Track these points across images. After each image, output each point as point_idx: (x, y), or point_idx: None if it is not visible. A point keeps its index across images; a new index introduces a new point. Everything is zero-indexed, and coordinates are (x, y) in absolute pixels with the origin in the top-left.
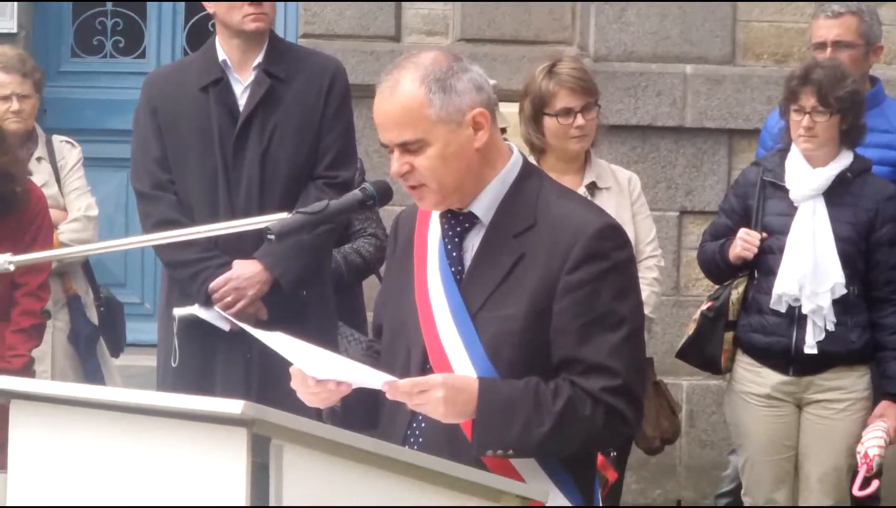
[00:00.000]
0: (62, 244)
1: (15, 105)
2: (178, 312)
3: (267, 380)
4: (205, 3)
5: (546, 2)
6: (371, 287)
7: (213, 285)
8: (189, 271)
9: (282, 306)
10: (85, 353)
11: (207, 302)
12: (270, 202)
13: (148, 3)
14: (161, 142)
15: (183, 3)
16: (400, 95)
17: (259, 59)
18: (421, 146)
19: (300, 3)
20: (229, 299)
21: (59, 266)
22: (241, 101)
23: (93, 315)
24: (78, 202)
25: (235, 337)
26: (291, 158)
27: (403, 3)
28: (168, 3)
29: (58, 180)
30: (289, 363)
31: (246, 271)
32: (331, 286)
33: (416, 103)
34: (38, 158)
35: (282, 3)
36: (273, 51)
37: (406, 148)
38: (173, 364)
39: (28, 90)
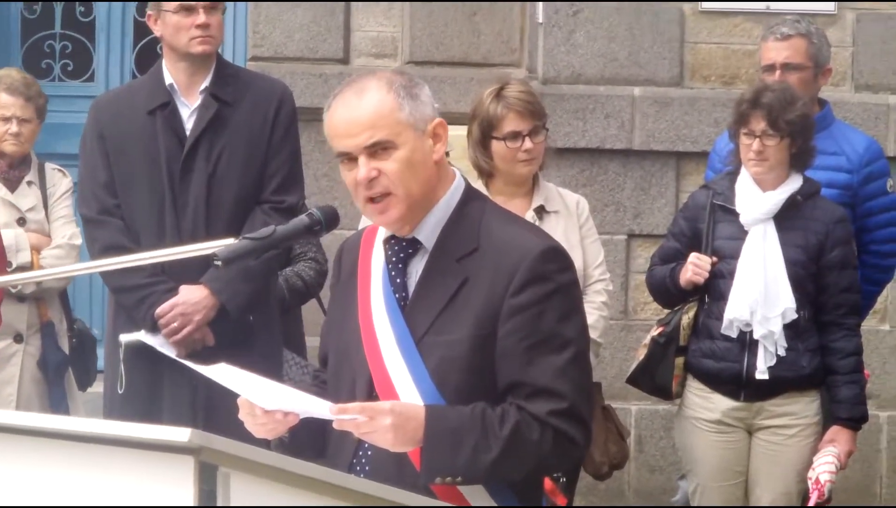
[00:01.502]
0: (43, 269)
1: (14, 128)
2: (125, 338)
3: (214, 406)
4: (151, 27)
5: (495, 25)
6: (312, 312)
7: (159, 310)
8: (135, 297)
9: (228, 332)
10: (53, 380)
11: (154, 328)
12: (217, 226)
13: (96, 26)
14: (108, 166)
15: (131, 27)
16: (369, 98)
17: (206, 82)
18: (389, 149)
19: (249, 26)
20: (175, 324)
21: (36, 292)
22: (188, 124)
23: (64, 345)
24: (62, 230)
25: (181, 365)
26: (238, 182)
27: (352, 25)
28: (117, 26)
29: (45, 207)
30: (234, 393)
31: (192, 297)
32: (276, 311)
33: (387, 106)
34: (29, 183)
35: (230, 26)
36: (220, 74)
37: (373, 152)
38: (119, 391)
39: (29, 115)
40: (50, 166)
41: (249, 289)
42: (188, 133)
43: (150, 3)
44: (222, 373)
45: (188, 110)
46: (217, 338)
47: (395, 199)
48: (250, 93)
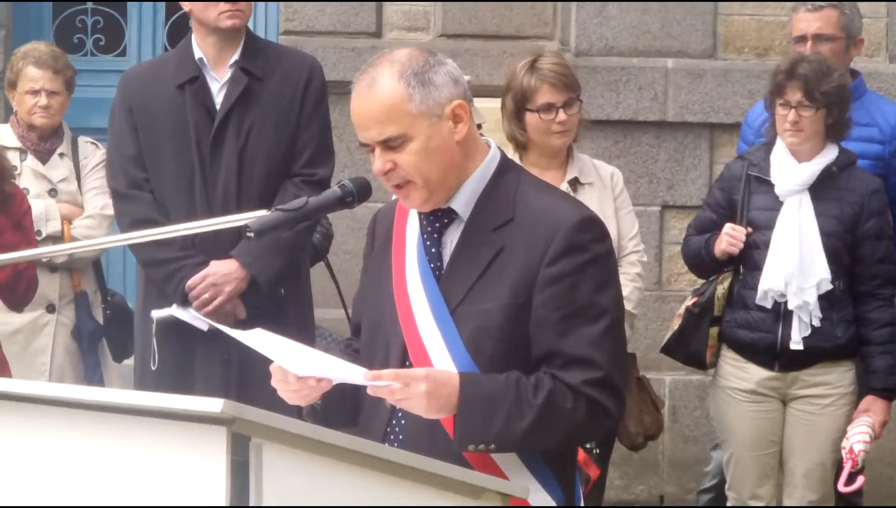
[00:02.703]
0: (74, 239)
1: (43, 100)
2: (156, 314)
3: (246, 380)
4: (181, 2)
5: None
6: (326, 279)
7: (189, 282)
8: (166, 271)
9: (259, 305)
10: (86, 350)
11: (184, 302)
12: (248, 200)
13: (128, 1)
14: (137, 140)
15: (163, 2)
16: (379, 92)
17: (235, 56)
18: (403, 142)
19: (281, 0)
20: (206, 296)
21: (68, 261)
22: (218, 99)
23: (98, 315)
24: (95, 201)
25: (214, 337)
26: (268, 155)
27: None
28: (148, 1)
29: (78, 179)
30: (268, 363)
31: (223, 269)
32: (308, 285)
33: (396, 99)
34: (61, 154)
35: (262, 1)
36: (249, 48)
37: (388, 145)
38: (153, 367)
39: (58, 87)
40: (83, 139)
41: (280, 262)
42: (218, 107)
43: None
44: (258, 338)
45: (218, 84)
46: (248, 311)
47: (414, 186)
48: (280, 67)
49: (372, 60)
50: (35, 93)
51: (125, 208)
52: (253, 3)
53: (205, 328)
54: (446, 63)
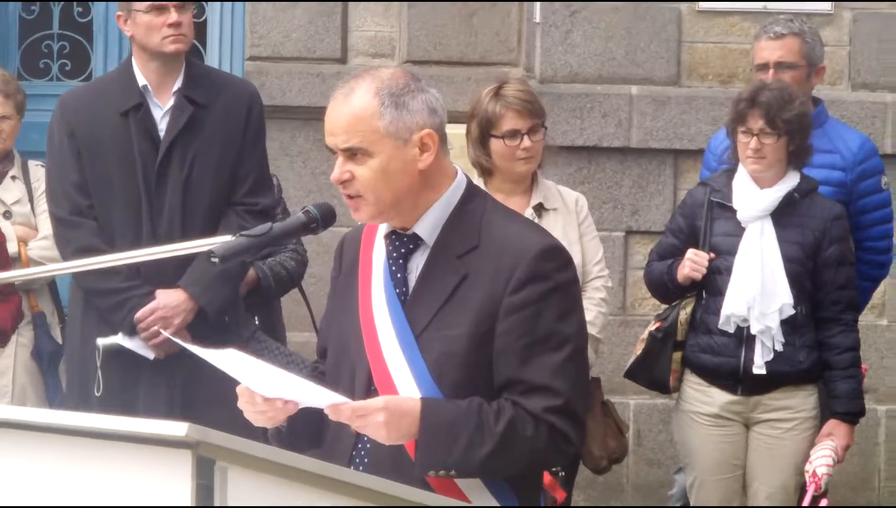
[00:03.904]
0: (31, 261)
1: None
2: (102, 342)
3: (190, 408)
4: (121, 27)
5: (492, 24)
6: (293, 302)
7: (138, 314)
8: (113, 300)
9: (204, 333)
10: (47, 370)
11: (132, 331)
12: (192, 229)
13: (94, 26)
14: (80, 166)
15: None
16: (352, 101)
17: (178, 84)
18: (364, 156)
19: (246, 26)
20: (155, 328)
21: (25, 284)
22: (161, 126)
23: (57, 335)
24: (48, 222)
25: (158, 366)
26: (213, 185)
27: (350, 25)
28: (114, 26)
29: (31, 201)
30: (214, 388)
31: (171, 301)
32: (243, 307)
33: (367, 113)
34: (13, 177)
35: (228, 26)
36: (190, 75)
37: (350, 155)
38: (97, 394)
39: (9, 111)
40: (33, 163)
41: (227, 291)
42: (162, 135)
43: (119, 4)
44: (229, 359)
45: (160, 112)
46: (194, 340)
47: (364, 202)
48: (221, 95)
49: (358, 72)
50: None
51: (68, 234)
52: (192, 27)
53: (151, 356)
54: (427, 91)
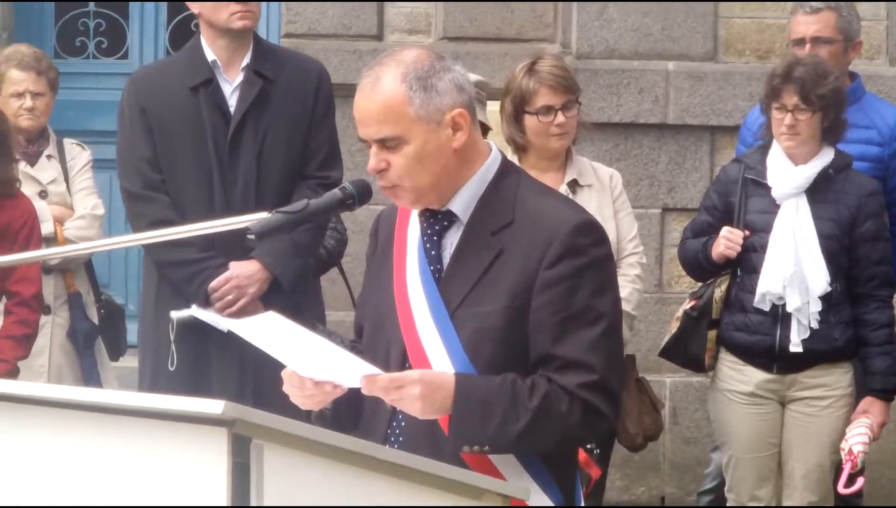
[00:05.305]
0: (67, 240)
1: (28, 102)
2: (175, 314)
3: (262, 381)
4: (189, 4)
5: (528, 1)
6: (327, 282)
7: (213, 284)
8: (187, 272)
9: (277, 306)
10: (83, 350)
11: (205, 303)
12: (266, 202)
13: (130, 3)
14: (151, 142)
15: (165, 4)
16: (381, 91)
17: (247, 59)
18: (398, 144)
19: (282, 2)
20: (230, 297)
21: (61, 263)
22: (231, 101)
23: (93, 315)
24: (84, 201)
25: (230, 338)
26: (284, 158)
27: (386, 2)
28: (150, 3)
29: (66, 180)
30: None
31: (246, 271)
32: (319, 285)
33: (397, 101)
34: (49, 156)
35: (264, 3)
36: (259, 50)
37: (384, 145)
38: (171, 368)
39: (42, 88)
40: (68, 141)
41: (300, 263)
42: (232, 110)
43: None
44: (267, 325)
45: (230, 87)
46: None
47: (403, 190)
48: (289, 70)
49: (380, 58)
50: (20, 95)
51: (142, 209)
52: (261, 4)
53: (225, 329)
54: (453, 69)
